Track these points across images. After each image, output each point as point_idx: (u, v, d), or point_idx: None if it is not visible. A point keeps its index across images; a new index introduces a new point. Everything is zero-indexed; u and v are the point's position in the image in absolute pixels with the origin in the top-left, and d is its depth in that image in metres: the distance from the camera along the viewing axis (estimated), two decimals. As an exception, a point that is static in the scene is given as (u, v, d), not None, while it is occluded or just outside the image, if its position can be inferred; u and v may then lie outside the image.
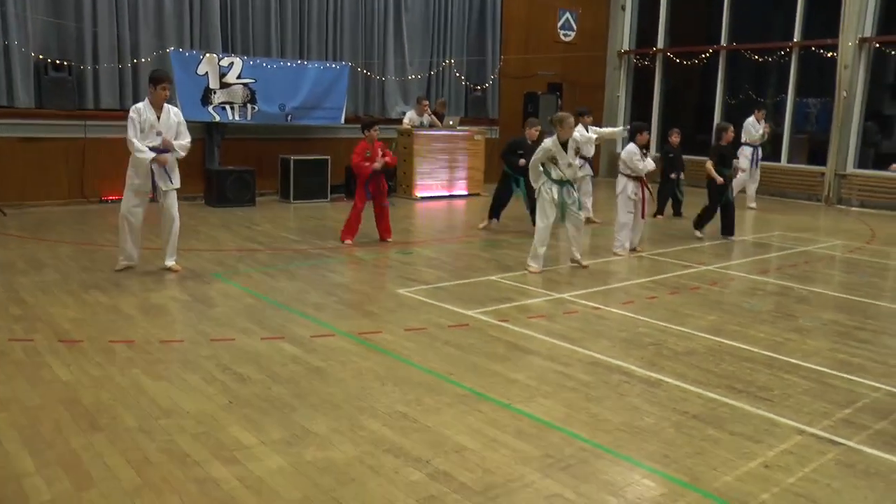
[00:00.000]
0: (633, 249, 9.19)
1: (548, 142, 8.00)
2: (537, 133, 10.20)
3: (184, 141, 7.35)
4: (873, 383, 5.01)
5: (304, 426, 4.08)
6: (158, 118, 7.17)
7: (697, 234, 10.35)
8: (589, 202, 11.18)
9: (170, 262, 7.55)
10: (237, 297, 6.75)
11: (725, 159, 10.33)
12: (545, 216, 8.04)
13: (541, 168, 8.05)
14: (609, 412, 4.40)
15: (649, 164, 9.01)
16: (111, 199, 11.83)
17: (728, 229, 10.46)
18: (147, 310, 6.24)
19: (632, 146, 9.07)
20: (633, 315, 6.53)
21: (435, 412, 4.33)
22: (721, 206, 10.33)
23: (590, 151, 10.91)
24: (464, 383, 4.79)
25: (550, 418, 4.29)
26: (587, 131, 10.98)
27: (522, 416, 4.32)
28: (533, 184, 8.22)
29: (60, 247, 8.62)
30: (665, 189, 12.11)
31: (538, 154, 8.04)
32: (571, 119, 8.07)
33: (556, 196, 7.97)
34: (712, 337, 5.93)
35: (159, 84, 7.10)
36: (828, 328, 6.33)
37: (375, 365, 5.08)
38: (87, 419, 4.10)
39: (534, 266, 8.05)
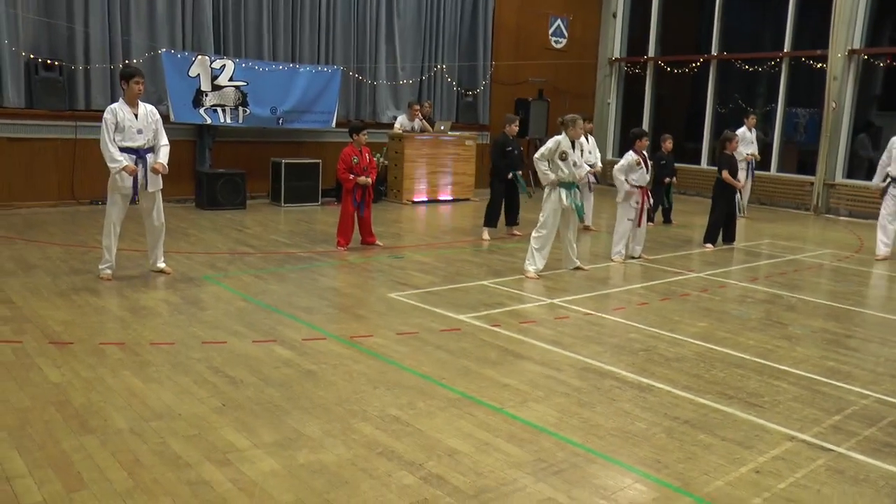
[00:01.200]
0: (635, 257, 9.23)
1: (558, 137, 8.06)
2: (517, 128, 10.47)
3: (163, 145, 7.17)
4: (862, 390, 5.04)
5: (297, 429, 4.08)
6: (136, 116, 7.02)
7: (708, 247, 10.31)
8: (588, 210, 11.22)
9: (161, 265, 7.52)
10: (228, 299, 6.73)
11: (733, 168, 10.39)
12: (548, 221, 8.07)
13: (547, 165, 8.03)
14: (601, 417, 4.42)
15: (642, 178, 9.04)
16: (101, 202, 11.78)
17: (730, 236, 10.56)
18: (137, 312, 6.21)
19: (630, 155, 9.07)
20: (624, 321, 6.56)
21: (427, 416, 4.33)
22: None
23: (590, 159, 10.86)
24: (456, 387, 4.80)
25: (543, 423, 4.30)
26: (587, 140, 11.00)
27: (515, 420, 4.33)
28: (542, 178, 8.10)
29: (50, 248, 8.57)
30: (656, 196, 12.15)
31: (546, 149, 8.06)
32: (580, 120, 8.18)
33: (564, 199, 8.01)
34: (703, 343, 5.96)
35: (132, 79, 6.94)
36: (817, 336, 6.37)
37: (367, 368, 5.08)
38: (78, 421, 4.08)
39: (531, 271, 8.07)
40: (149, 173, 7.10)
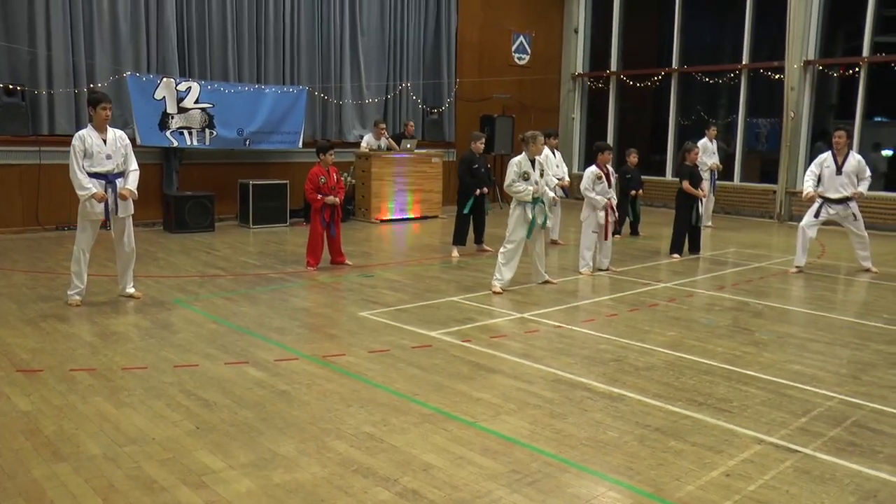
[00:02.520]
0: (603, 270, 9.33)
1: (517, 158, 8.14)
2: (482, 145, 10.51)
3: (132, 170, 7.16)
4: (827, 392, 5.16)
5: (272, 449, 4.08)
6: (105, 141, 7.01)
7: (675, 257, 10.44)
8: (555, 224, 11.32)
9: (131, 290, 7.48)
10: (200, 322, 6.71)
11: (694, 178, 10.55)
12: (514, 235, 8.14)
13: (519, 184, 8.06)
14: (573, 427, 4.47)
15: (600, 200, 9.09)
16: (67, 227, 11.68)
17: (695, 247, 10.73)
18: (108, 337, 6.17)
19: (592, 169, 9.19)
20: (594, 332, 6.64)
21: (401, 432, 4.36)
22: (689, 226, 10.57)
23: (558, 173, 11.02)
24: (429, 403, 4.83)
25: (516, 435, 4.34)
26: (554, 155, 11.14)
27: (488, 433, 4.37)
28: (522, 198, 8.08)
29: (15, 275, 8.48)
30: (621, 209, 12.30)
31: (511, 173, 8.10)
32: (541, 137, 8.23)
33: (528, 214, 8.08)
34: (672, 352, 6.05)
35: (98, 105, 6.93)
36: (783, 341, 6.49)
37: (340, 387, 5.10)
38: (50, 448, 4.04)
39: (498, 286, 8.13)
40: (118, 200, 7.07)
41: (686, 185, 10.39)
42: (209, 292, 7.88)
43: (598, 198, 9.08)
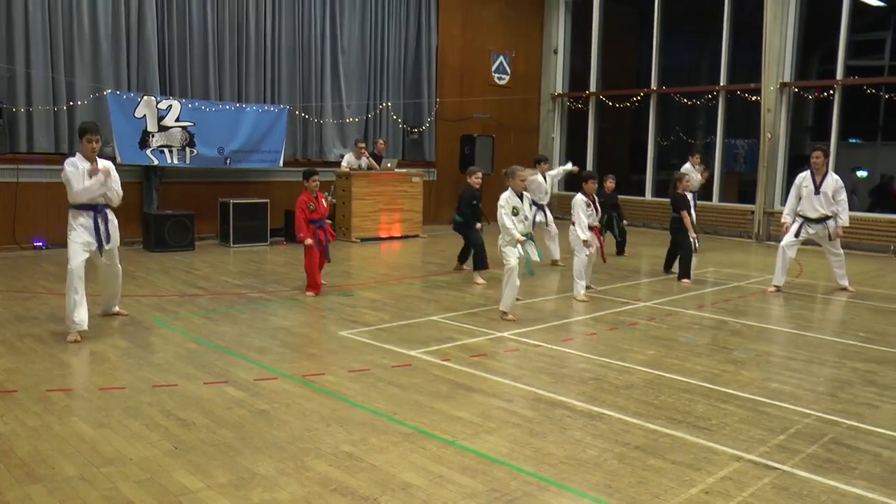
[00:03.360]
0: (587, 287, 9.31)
1: (505, 196, 7.91)
2: (479, 180, 10.28)
3: (117, 188, 7.01)
4: (804, 409, 5.20)
5: (251, 469, 4.05)
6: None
7: (686, 282, 10.28)
8: (555, 245, 11.33)
9: (117, 308, 7.54)
10: (179, 342, 6.66)
11: (685, 205, 10.63)
12: (513, 267, 7.80)
13: (511, 225, 7.82)
14: (553, 446, 4.48)
15: (584, 233, 8.96)
16: (45, 245, 11.59)
17: (670, 266, 10.83)
18: (85, 357, 6.12)
19: (578, 197, 9.06)
20: (573, 351, 6.65)
21: (380, 451, 4.34)
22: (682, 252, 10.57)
23: (543, 199, 11.15)
24: (408, 422, 4.82)
25: (495, 454, 4.34)
26: (545, 181, 11.19)
27: (467, 452, 4.36)
28: (513, 237, 7.84)
29: (-9, 294, 8.39)
30: (609, 230, 12.36)
31: (502, 212, 7.84)
32: (521, 171, 8.03)
33: (520, 251, 7.84)
34: (651, 370, 6.08)
35: (84, 136, 6.79)
36: (761, 359, 6.54)
37: (320, 406, 5.08)
38: (24, 470, 3.99)
39: (510, 316, 7.85)
40: (110, 229, 6.96)
41: (685, 216, 10.37)
42: (189, 311, 7.83)
43: (585, 234, 8.91)
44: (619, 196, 13.04)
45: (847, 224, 9.59)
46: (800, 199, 9.63)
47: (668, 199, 11.07)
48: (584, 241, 8.89)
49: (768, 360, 6.52)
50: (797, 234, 9.66)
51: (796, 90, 15.38)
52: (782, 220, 9.87)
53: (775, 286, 9.71)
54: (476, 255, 10.13)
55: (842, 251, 9.81)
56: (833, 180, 9.51)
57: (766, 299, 9.29)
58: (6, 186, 11.35)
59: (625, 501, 3.78)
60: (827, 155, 9.59)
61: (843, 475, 4.14)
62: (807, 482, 4.04)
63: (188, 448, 4.32)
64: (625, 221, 12.85)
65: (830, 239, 9.61)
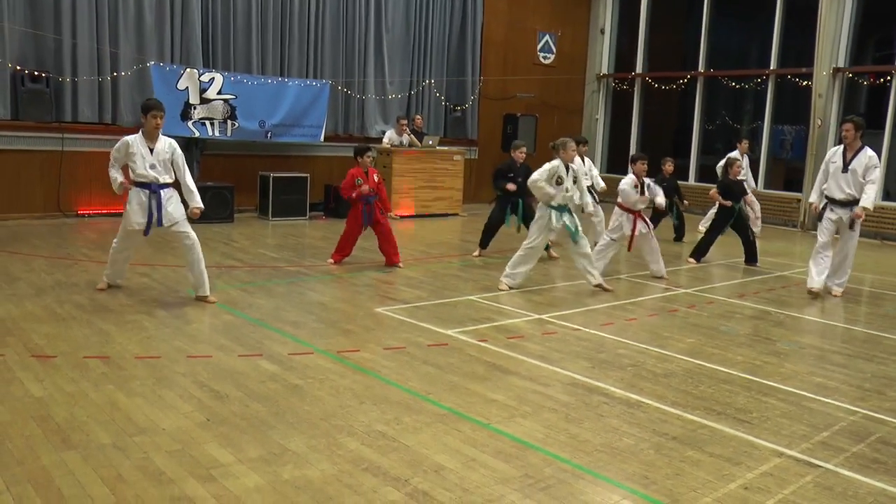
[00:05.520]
0: (658, 277, 9.13)
1: (553, 162, 7.98)
2: (523, 154, 10.06)
3: (192, 188, 6.98)
4: (850, 406, 5.04)
5: (282, 444, 4.03)
6: (152, 150, 6.84)
7: (692, 261, 10.31)
8: (602, 227, 11.15)
9: (204, 292, 7.06)
10: (214, 313, 6.68)
11: (734, 192, 10.41)
12: (533, 241, 8.06)
13: (545, 185, 7.90)
14: (589, 433, 4.39)
15: (657, 198, 9.06)
16: (88, 214, 11.73)
17: (752, 257, 10.55)
18: (122, 325, 6.15)
19: (628, 178, 8.91)
20: (612, 336, 6.54)
21: (413, 431, 4.29)
22: (747, 238, 10.49)
23: (589, 180, 10.58)
24: (443, 403, 4.76)
25: (530, 438, 4.27)
26: (584, 163, 10.92)
27: (502, 435, 4.29)
28: (544, 197, 7.97)
29: (35, 260, 8.50)
30: (657, 219, 11.99)
31: (543, 173, 7.91)
32: (572, 143, 8.04)
33: (554, 221, 7.96)
34: (691, 359, 5.95)
35: (149, 112, 6.77)
36: (805, 352, 6.37)
37: (354, 383, 5.04)
38: (60, 436, 4.02)
39: (505, 283, 8.08)
40: (164, 209, 6.85)
41: (714, 193, 10.28)
42: (226, 283, 7.85)
43: (635, 198, 8.82)
44: (677, 183, 12.70)
45: (869, 208, 8.19)
46: (828, 175, 8.50)
47: (713, 185, 10.88)
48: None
49: (812, 354, 6.34)
50: (820, 218, 8.54)
51: (850, 75, 14.92)
52: (809, 201, 8.95)
53: (810, 289, 8.58)
54: (486, 230, 10.14)
55: (851, 252, 8.63)
56: (867, 157, 8.21)
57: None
58: (51, 155, 11.49)
59: (661, 494, 3.69)
60: (859, 127, 8.30)
61: (892, 477, 3.99)
62: (852, 482, 3.91)
63: (220, 420, 4.32)
64: (686, 202, 12.55)
65: (851, 227, 8.40)
